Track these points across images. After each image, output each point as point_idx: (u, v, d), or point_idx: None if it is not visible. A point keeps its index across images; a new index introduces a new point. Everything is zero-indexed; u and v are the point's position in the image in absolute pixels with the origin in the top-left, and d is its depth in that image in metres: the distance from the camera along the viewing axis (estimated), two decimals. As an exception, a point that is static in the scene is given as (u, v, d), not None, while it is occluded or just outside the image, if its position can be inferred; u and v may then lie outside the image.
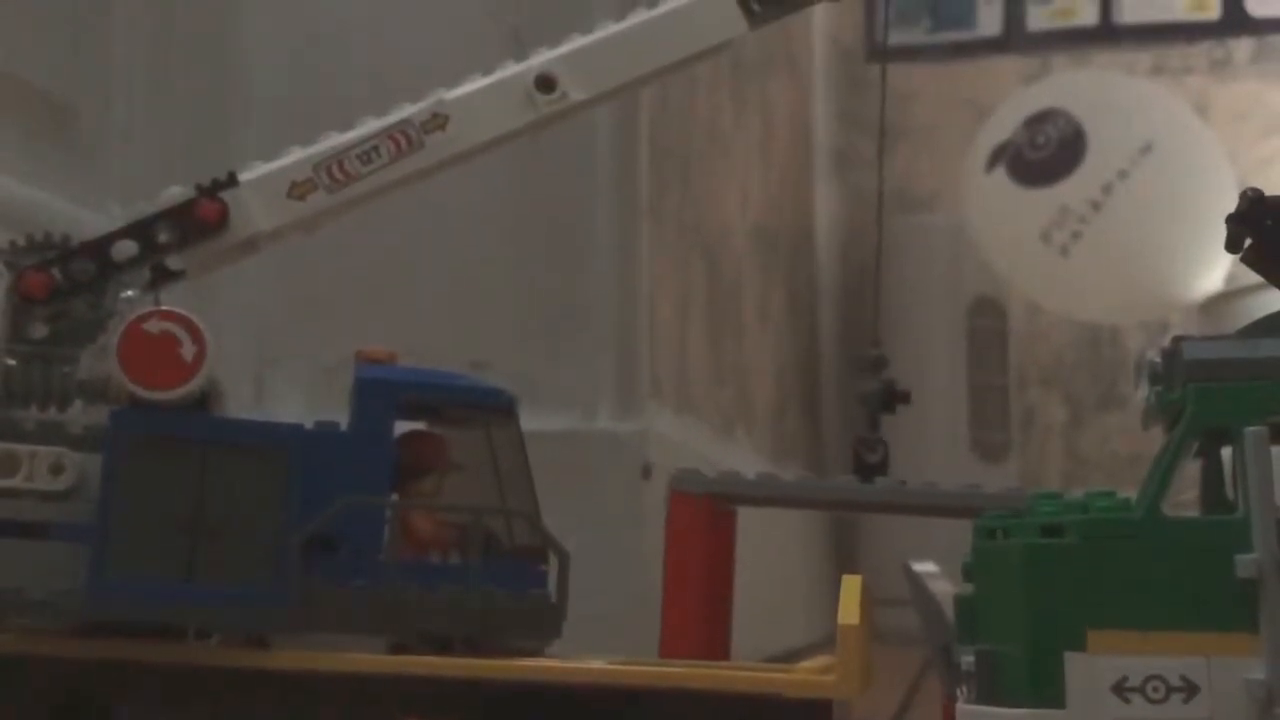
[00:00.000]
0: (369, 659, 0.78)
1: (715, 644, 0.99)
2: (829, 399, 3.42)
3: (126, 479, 0.77)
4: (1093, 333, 3.40)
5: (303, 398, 1.66)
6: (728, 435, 2.31)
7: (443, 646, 0.79)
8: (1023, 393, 3.45)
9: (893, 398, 1.03)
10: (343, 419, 0.83)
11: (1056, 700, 0.66)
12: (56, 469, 0.78)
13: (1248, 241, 0.73)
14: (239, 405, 0.88)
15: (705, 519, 1.00)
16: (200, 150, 1.60)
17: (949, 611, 1.01)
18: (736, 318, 2.46)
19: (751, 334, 2.59)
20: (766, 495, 1.04)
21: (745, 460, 2.36)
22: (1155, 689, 0.64)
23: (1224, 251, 0.76)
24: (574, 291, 1.67)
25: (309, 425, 0.82)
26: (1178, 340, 0.70)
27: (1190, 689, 0.64)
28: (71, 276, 0.82)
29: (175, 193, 0.85)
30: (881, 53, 3.30)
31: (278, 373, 1.72)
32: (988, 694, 0.69)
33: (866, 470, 1.02)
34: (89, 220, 0.88)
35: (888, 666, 0.86)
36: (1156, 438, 0.75)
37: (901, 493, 1.00)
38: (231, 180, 0.86)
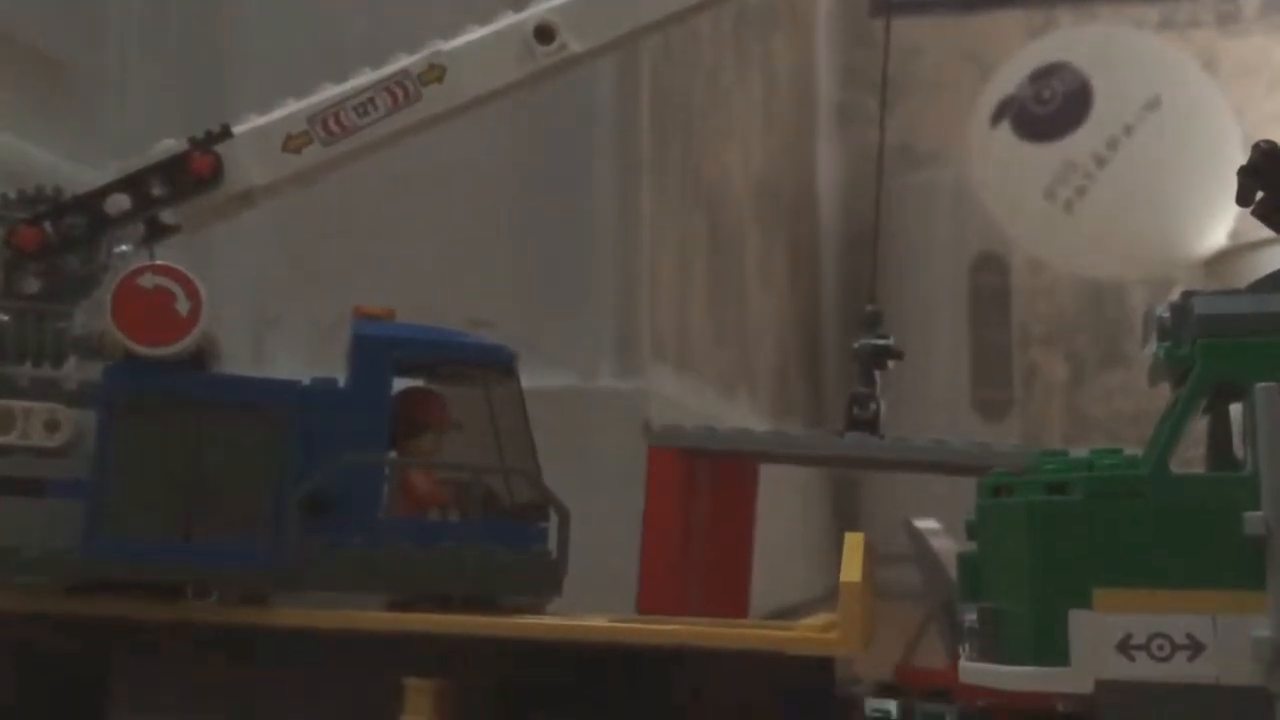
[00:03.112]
0: (368, 616, 0.77)
1: (686, 601, 0.97)
2: (830, 357, 3.41)
3: (122, 436, 0.76)
4: (1096, 290, 3.38)
5: (302, 357, 1.65)
6: (729, 394, 2.31)
7: (443, 604, 0.79)
8: (1025, 351, 3.44)
9: (885, 354, 1.02)
10: (343, 378, 0.82)
11: (1060, 658, 0.65)
12: (51, 425, 0.77)
13: (1259, 194, 0.72)
14: (238, 365, 0.87)
15: (683, 474, 0.99)
16: (195, 104, 1.58)
17: (950, 568, 1.00)
18: (738, 276, 2.45)
19: (753, 292, 2.58)
20: (739, 449, 1.03)
21: (746, 419, 2.35)
22: (1160, 647, 0.64)
23: (1230, 207, 0.75)
24: (574, 249, 1.66)
25: (306, 383, 0.82)
26: (1188, 295, 0.69)
27: (1196, 647, 0.64)
28: (64, 231, 0.81)
29: (168, 145, 0.84)
30: (885, 6, 3.27)
31: (277, 332, 1.71)
32: (991, 651, 0.68)
33: (857, 426, 1.01)
34: (83, 175, 0.86)
35: (888, 622, 0.85)
36: (1159, 397, 0.74)
37: (870, 446, 0.99)
38: (225, 133, 0.85)
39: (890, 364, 1.02)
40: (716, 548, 1.03)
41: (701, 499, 1.02)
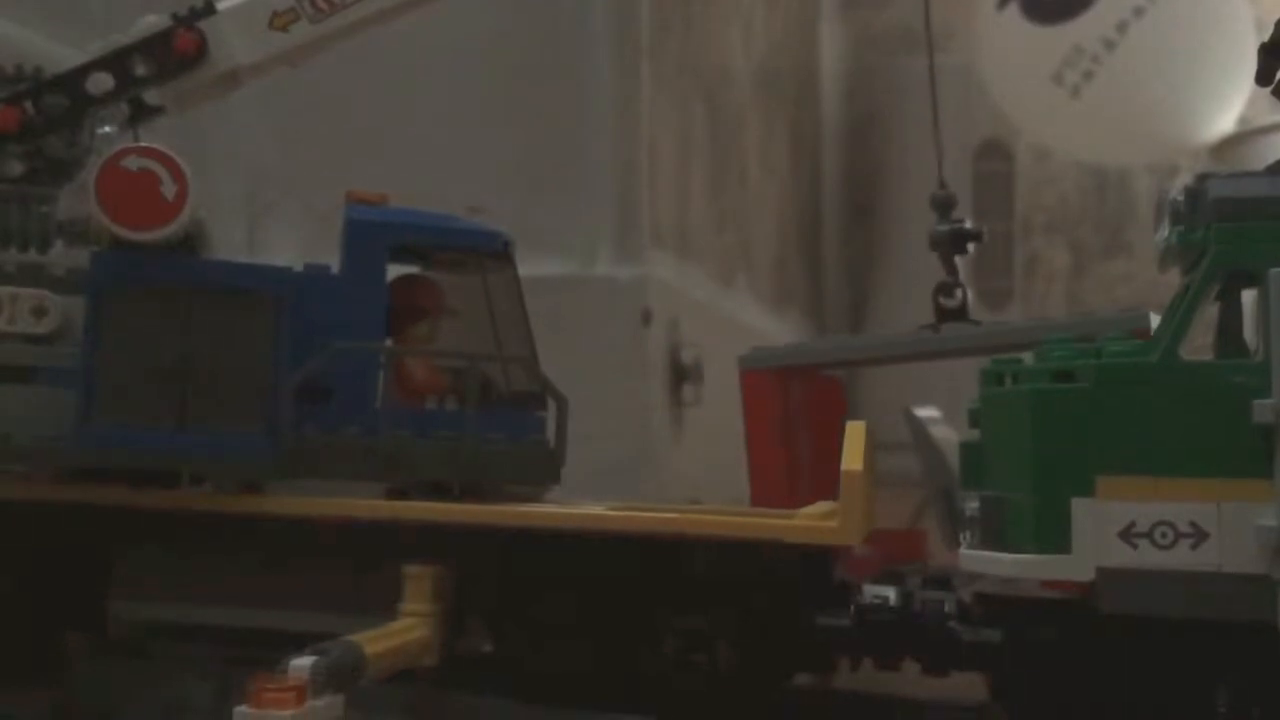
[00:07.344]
0: (365, 504, 0.77)
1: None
2: (830, 246, 3.38)
3: (111, 324, 0.75)
4: (1099, 178, 3.34)
5: (298, 244, 1.63)
6: (728, 282, 2.29)
7: (440, 492, 0.78)
8: (1027, 239, 3.41)
9: (964, 238, 0.98)
10: (337, 265, 0.81)
11: (1062, 545, 0.65)
12: (39, 312, 0.76)
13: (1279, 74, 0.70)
14: (232, 252, 0.85)
15: (778, 393, 0.97)
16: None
17: (950, 456, 0.99)
18: (738, 163, 2.41)
19: (753, 180, 2.54)
20: (838, 360, 1.00)
21: (745, 307, 2.34)
22: (1164, 535, 0.63)
23: (1238, 92, 0.72)
24: (573, 134, 1.62)
25: (299, 269, 0.80)
26: (1203, 177, 0.67)
27: (1199, 535, 0.63)
28: (45, 111, 0.79)
29: (150, 22, 0.81)
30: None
31: (271, 219, 1.68)
32: (992, 539, 0.68)
33: (948, 316, 0.97)
34: (65, 56, 0.84)
35: (883, 509, 0.85)
36: (1161, 287, 0.73)
37: (972, 335, 0.95)
38: (209, 9, 0.82)
39: (970, 247, 0.98)
40: (821, 458, 1.00)
41: (798, 413, 1.00)
